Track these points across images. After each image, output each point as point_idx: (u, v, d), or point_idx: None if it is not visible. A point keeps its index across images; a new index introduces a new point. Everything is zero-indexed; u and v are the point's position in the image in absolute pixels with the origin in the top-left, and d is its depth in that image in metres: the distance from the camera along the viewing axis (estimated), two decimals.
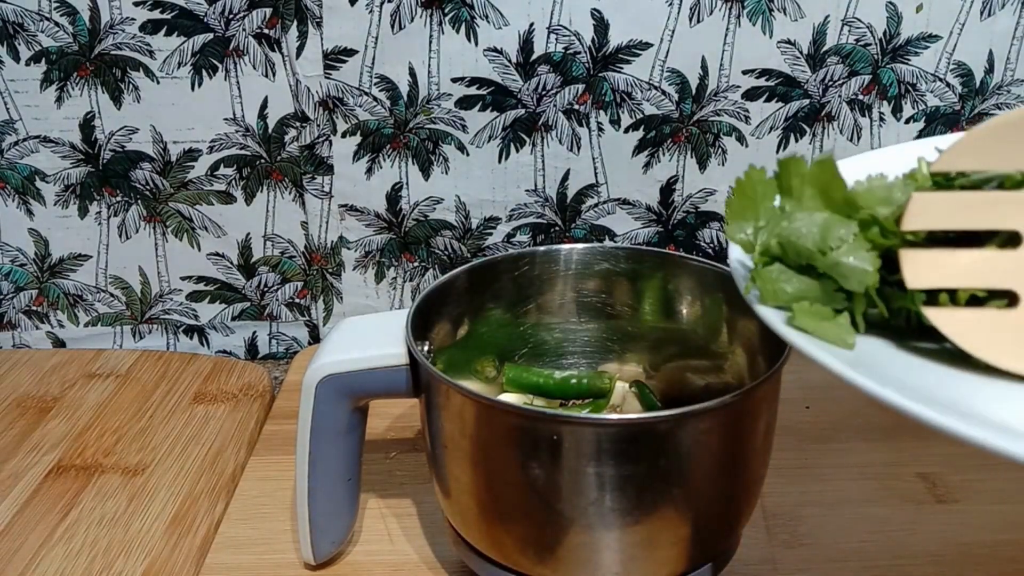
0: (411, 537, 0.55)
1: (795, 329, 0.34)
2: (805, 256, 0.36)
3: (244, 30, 0.70)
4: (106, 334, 0.81)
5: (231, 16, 0.70)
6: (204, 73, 0.71)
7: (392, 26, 0.69)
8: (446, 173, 0.75)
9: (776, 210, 0.37)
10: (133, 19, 0.69)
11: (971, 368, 0.33)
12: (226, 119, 0.73)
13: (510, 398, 0.54)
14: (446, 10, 0.69)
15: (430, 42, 0.70)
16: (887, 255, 0.35)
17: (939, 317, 0.33)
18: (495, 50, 0.70)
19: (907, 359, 0.34)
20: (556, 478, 0.43)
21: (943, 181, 0.35)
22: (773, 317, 0.35)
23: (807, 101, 0.72)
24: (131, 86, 0.72)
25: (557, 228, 0.77)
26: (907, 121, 0.73)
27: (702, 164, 0.74)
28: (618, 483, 0.42)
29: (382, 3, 0.69)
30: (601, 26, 0.69)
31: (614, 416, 0.43)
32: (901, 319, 0.36)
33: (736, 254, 0.39)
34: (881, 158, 0.43)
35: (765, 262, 0.37)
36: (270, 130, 0.74)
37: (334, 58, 0.71)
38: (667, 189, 0.75)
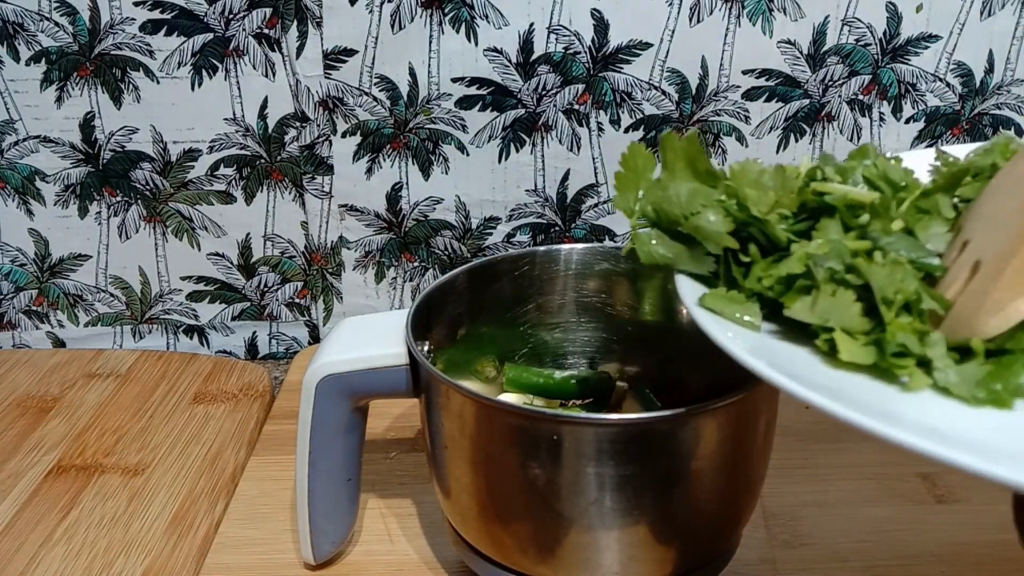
0: (411, 537, 0.55)
1: (705, 309, 0.37)
2: (674, 220, 0.39)
3: (244, 30, 0.70)
4: (106, 334, 0.81)
5: (231, 16, 0.70)
6: (204, 73, 0.71)
7: (392, 26, 0.69)
8: (446, 173, 0.75)
9: (654, 181, 0.42)
10: (133, 19, 0.69)
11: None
12: (226, 119, 0.73)
13: (510, 398, 0.54)
14: (446, 10, 0.69)
15: (430, 42, 0.70)
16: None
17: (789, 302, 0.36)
18: (495, 50, 0.70)
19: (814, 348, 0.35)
20: (556, 478, 0.43)
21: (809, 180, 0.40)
22: (689, 297, 0.37)
23: (807, 101, 0.72)
24: (131, 86, 0.72)
25: (557, 228, 0.77)
26: (907, 121, 0.73)
27: None
28: (618, 483, 0.42)
29: (382, 3, 0.69)
30: (601, 26, 0.69)
31: (614, 416, 0.43)
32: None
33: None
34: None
35: (641, 226, 0.41)
36: (270, 130, 0.74)
37: (334, 58, 0.71)
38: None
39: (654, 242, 0.40)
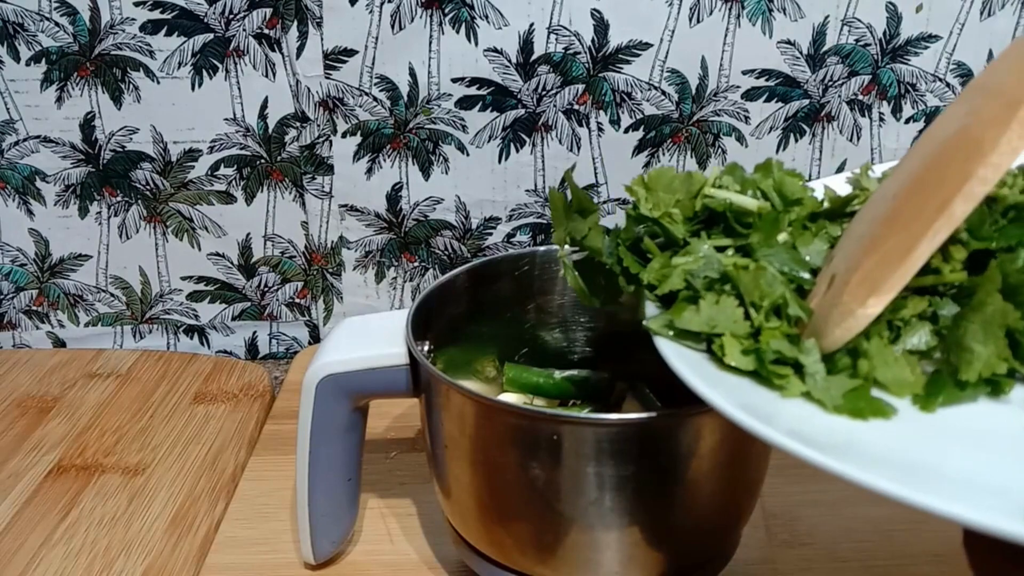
0: (411, 537, 0.55)
1: (664, 335, 0.39)
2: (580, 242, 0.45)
3: (244, 30, 0.70)
4: (106, 334, 0.81)
5: (231, 16, 0.70)
6: (204, 73, 0.71)
7: (392, 26, 0.69)
8: (446, 173, 0.75)
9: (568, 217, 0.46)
10: (133, 19, 0.69)
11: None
12: (226, 119, 0.73)
13: (510, 398, 0.54)
14: (446, 10, 0.69)
15: (430, 42, 0.70)
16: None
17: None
18: (495, 50, 0.70)
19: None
20: (556, 478, 0.43)
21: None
22: (655, 323, 0.39)
23: (807, 101, 0.72)
24: (131, 86, 0.72)
25: None
26: (907, 121, 0.73)
27: (702, 164, 0.74)
28: (618, 483, 0.42)
29: (382, 3, 0.69)
30: (601, 26, 0.69)
31: (614, 416, 0.43)
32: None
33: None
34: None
35: (568, 254, 0.48)
36: (270, 130, 0.74)
37: (334, 58, 0.71)
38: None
39: (575, 271, 0.47)
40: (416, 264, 0.79)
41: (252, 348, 0.82)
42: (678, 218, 0.42)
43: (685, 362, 0.36)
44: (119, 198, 0.76)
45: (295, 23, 0.70)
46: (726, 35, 0.70)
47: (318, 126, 0.73)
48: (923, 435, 0.32)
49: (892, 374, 0.34)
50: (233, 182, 0.75)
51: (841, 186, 0.46)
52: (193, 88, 0.72)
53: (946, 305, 0.35)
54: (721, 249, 0.41)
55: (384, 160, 0.74)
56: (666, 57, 0.70)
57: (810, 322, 0.36)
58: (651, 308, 0.41)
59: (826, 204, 0.43)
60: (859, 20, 0.69)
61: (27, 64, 0.71)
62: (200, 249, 0.78)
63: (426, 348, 0.50)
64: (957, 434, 0.32)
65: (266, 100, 0.73)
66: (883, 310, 0.33)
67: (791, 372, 0.35)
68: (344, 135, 0.73)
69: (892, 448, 0.31)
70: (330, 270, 0.79)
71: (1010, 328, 0.33)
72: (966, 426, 0.32)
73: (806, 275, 0.39)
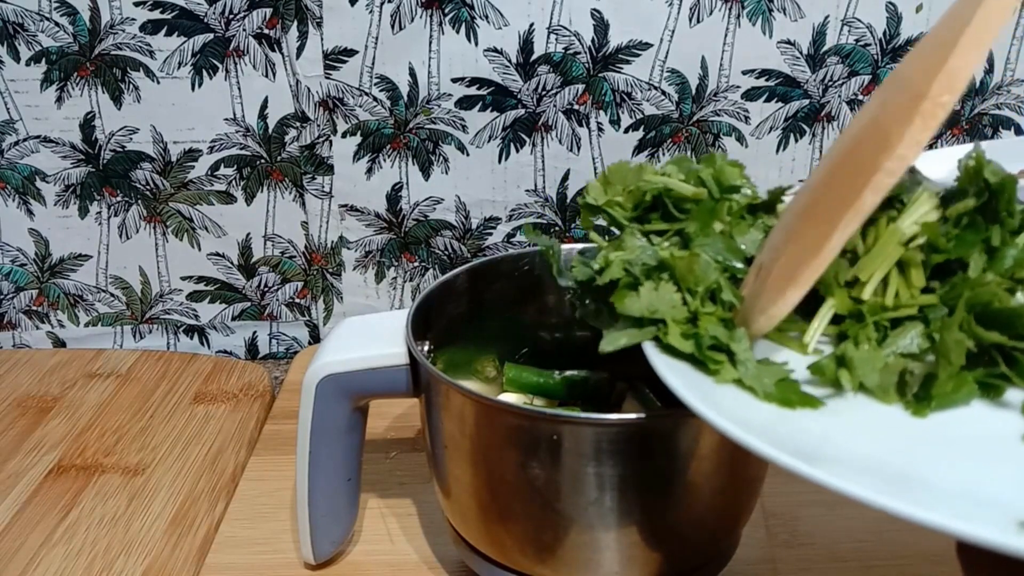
0: (411, 537, 0.55)
1: (658, 347, 0.38)
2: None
3: (244, 30, 0.70)
4: (106, 334, 0.81)
5: (231, 16, 0.70)
6: (204, 73, 0.71)
7: (392, 26, 0.69)
8: (446, 173, 0.75)
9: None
10: (133, 19, 0.69)
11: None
12: (226, 119, 0.73)
13: (510, 398, 0.54)
14: (446, 10, 0.69)
15: (430, 42, 0.70)
16: None
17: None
18: (495, 50, 0.70)
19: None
20: (556, 478, 0.43)
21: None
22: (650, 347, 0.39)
23: (807, 101, 0.72)
24: (131, 86, 0.72)
25: (557, 228, 0.77)
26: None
27: None
28: (618, 483, 0.42)
29: (382, 3, 0.69)
30: (601, 26, 0.69)
31: (614, 416, 0.43)
32: None
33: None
34: None
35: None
36: (270, 130, 0.74)
37: (334, 58, 0.71)
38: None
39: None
40: (416, 264, 0.79)
41: (252, 348, 0.82)
42: (626, 205, 0.44)
43: (662, 361, 0.36)
44: (119, 198, 0.76)
45: (295, 23, 0.70)
46: (726, 35, 0.70)
47: (318, 126, 0.73)
48: (915, 441, 0.32)
49: (878, 380, 0.33)
50: (233, 182, 0.75)
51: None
52: (193, 88, 0.72)
53: (938, 309, 0.35)
54: (661, 234, 0.42)
55: (384, 160, 0.74)
56: (666, 57, 0.70)
57: (740, 310, 0.37)
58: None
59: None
60: (859, 20, 0.69)
61: (27, 64, 0.71)
62: (200, 249, 0.78)
63: (426, 348, 0.50)
64: (949, 440, 0.31)
65: (266, 100, 0.73)
66: (869, 305, 0.34)
67: (726, 359, 0.35)
68: (344, 135, 0.73)
69: (882, 455, 0.31)
70: (330, 270, 0.79)
71: (997, 343, 0.33)
72: (959, 433, 0.32)
73: (739, 264, 0.40)
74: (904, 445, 0.31)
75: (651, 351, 0.38)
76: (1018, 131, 0.73)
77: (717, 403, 0.33)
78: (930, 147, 0.72)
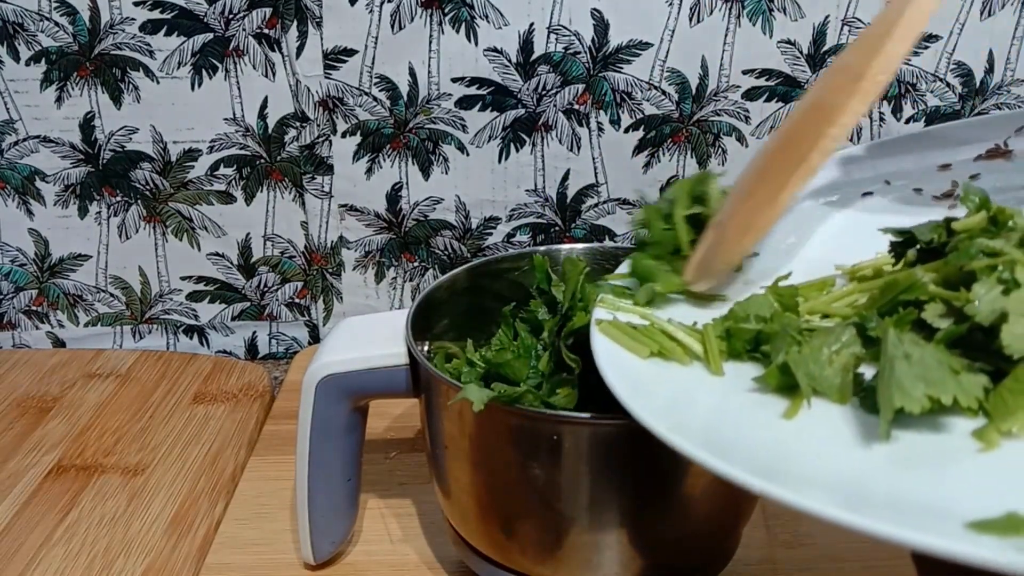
0: (411, 537, 0.55)
1: (601, 334, 0.40)
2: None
3: (244, 30, 0.70)
4: (106, 334, 0.81)
5: (231, 16, 0.70)
6: (204, 73, 0.71)
7: (392, 26, 0.69)
8: (446, 173, 0.75)
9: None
10: (133, 19, 0.69)
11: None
12: (226, 119, 0.73)
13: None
14: (446, 10, 0.69)
15: (430, 42, 0.70)
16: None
17: None
18: (495, 50, 0.70)
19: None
20: (556, 478, 0.43)
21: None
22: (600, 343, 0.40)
23: None
24: (131, 86, 0.72)
25: (557, 228, 0.77)
26: (907, 121, 0.73)
27: (702, 164, 0.74)
28: (618, 483, 0.42)
29: (382, 3, 0.69)
30: (601, 26, 0.69)
31: (614, 416, 0.43)
32: None
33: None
34: None
35: None
36: (270, 130, 0.74)
37: (334, 58, 0.71)
38: (667, 189, 0.75)
39: None
40: (416, 264, 0.79)
41: (252, 348, 0.82)
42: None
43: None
44: (119, 198, 0.76)
45: (295, 23, 0.70)
46: (726, 35, 0.70)
47: (318, 126, 0.73)
48: (862, 447, 0.31)
49: (824, 379, 0.33)
50: (233, 182, 0.75)
51: None
52: (193, 88, 0.72)
53: (872, 318, 0.35)
54: None
55: (384, 160, 0.74)
56: (666, 57, 0.70)
57: (699, 263, 0.43)
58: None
59: None
60: (859, 20, 0.69)
61: (27, 64, 0.71)
62: (200, 249, 0.78)
63: (426, 348, 0.49)
64: (899, 448, 0.31)
65: (266, 100, 0.72)
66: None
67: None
68: (344, 135, 0.73)
69: (830, 465, 0.30)
70: (330, 270, 0.79)
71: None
72: (907, 440, 0.31)
73: None
74: (855, 453, 0.31)
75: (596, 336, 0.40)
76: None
77: (654, 405, 0.34)
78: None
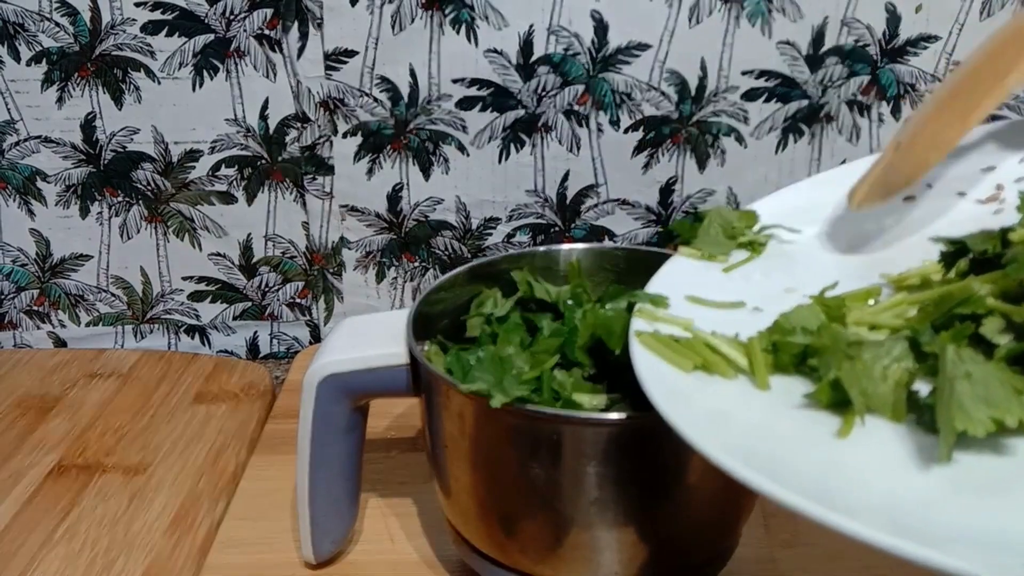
0: (411, 537, 0.55)
1: (642, 347, 0.38)
2: None
3: (245, 31, 0.70)
4: (107, 334, 0.81)
5: (232, 17, 0.70)
6: (205, 74, 0.72)
7: (393, 27, 0.69)
8: (446, 173, 0.75)
9: None
10: (134, 20, 0.70)
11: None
12: (227, 120, 0.73)
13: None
14: (446, 11, 0.69)
15: (430, 43, 0.70)
16: None
17: None
18: (495, 51, 0.70)
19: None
20: (556, 477, 0.43)
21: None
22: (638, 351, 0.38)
23: (806, 102, 0.72)
24: (132, 87, 0.72)
25: (557, 228, 0.77)
26: (906, 121, 0.73)
27: (701, 165, 0.74)
28: (618, 482, 0.42)
29: (383, 4, 0.69)
30: (601, 27, 0.69)
31: (614, 416, 0.43)
32: None
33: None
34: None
35: None
36: (271, 131, 0.74)
37: (335, 59, 0.71)
38: (666, 190, 0.75)
39: None
40: (416, 264, 0.79)
41: (253, 348, 0.83)
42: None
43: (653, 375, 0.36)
44: (120, 198, 0.76)
45: (296, 24, 0.70)
46: (725, 35, 0.70)
47: (319, 127, 0.73)
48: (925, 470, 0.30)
49: (879, 395, 0.32)
50: (234, 182, 0.76)
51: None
52: (194, 89, 0.72)
53: (925, 332, 0.33)
54: None
55: (384, 160, 0.74)
56: (665, 58, 0.70)
57: (874, 183, 0.43)
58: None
59: None
60: (858, 20, 0.69)
61: (28, 64, 0.71)
62: (201, 249, 0.78)
63: (426, 348, 0.50)
64: (960, 472, 0.29)
65: (267, 101, 0.73)
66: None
67: None
68: (345, 135, 0.74)
69: (889, 488, 0.29)
70: (331, 270, 0.79)
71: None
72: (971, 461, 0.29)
73: None
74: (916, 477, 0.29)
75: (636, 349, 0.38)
76: None
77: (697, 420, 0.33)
78: None
